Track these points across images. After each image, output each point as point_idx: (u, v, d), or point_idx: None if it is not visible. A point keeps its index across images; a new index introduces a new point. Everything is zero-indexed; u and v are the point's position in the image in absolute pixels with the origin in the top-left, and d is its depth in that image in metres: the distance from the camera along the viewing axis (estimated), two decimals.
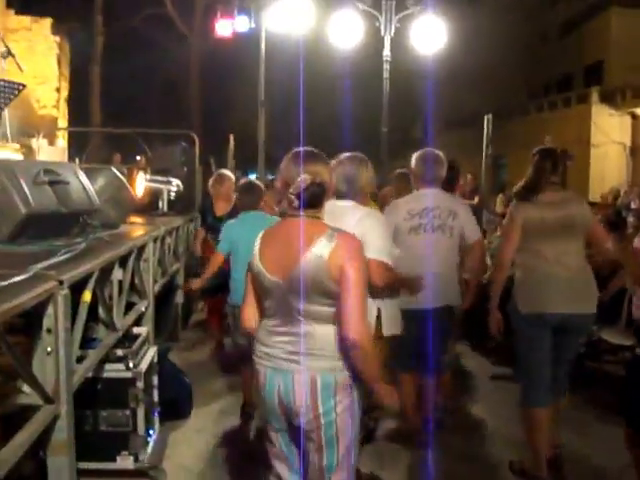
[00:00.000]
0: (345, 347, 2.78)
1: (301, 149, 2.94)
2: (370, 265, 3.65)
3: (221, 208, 7.43)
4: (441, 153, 5.16)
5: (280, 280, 2.87)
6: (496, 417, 5.83)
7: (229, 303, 5.65)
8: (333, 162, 4.02)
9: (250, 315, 3.12)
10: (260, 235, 3.08)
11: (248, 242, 5.53)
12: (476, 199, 13.09)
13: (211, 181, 7.57)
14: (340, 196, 4.11)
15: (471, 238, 5.06)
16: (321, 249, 2.77)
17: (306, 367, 2.84)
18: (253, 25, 14.85)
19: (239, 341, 5.52)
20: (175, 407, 5.44)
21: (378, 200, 7.01)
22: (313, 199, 2.87)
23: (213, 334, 7.74)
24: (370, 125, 19.38)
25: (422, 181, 5.08)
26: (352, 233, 2.92)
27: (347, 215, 3.95)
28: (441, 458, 4.85)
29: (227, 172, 7.82)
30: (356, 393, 2.93)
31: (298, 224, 2.89)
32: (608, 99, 27.65)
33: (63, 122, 17.60)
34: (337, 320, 2.81)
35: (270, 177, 15.13)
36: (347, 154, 4.26)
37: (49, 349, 2.69)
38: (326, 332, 2.85)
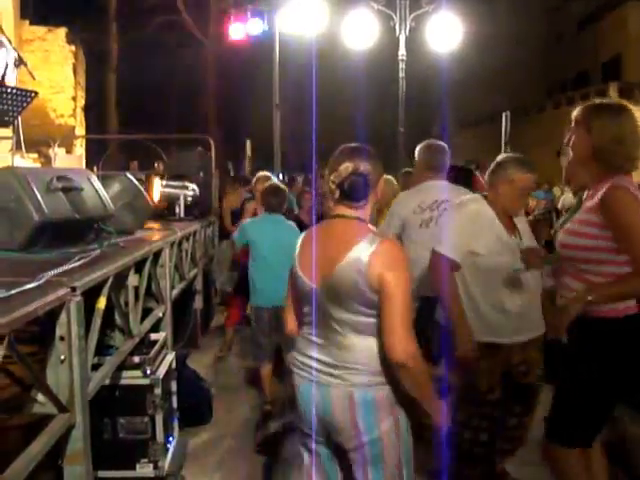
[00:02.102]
0: (388, 364, 2.62)
1: (349, 144, 2.84)
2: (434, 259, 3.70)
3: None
4: (443, 144, 5.16)
5: (317, 286, 2.74)
6: None
7: (250, 304, 5.92)
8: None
9: (292, 318, 3.06)
10: (301, 237, 2.97)
11: (266, 244, 5.75)
12: None
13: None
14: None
15: None
16: (360, 253, 2.61)
17: (343, 382, 2.70)
18: (266, 28, 14.84)
19: (260, 340, 5.76)
20: (195, 413, 5.41)
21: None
22: (354, 189, 2.72)
23: (227, 335, 7.77)
24: (386, 125, 19.34)
25: (428, 171, 5.06)
26: (396, 241, 2.77)
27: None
28: None
29: (265, 174, 8.07)
30: (402, 411, 2.76)
31: (338, 225, 2.78)
32: (626, 94, 27.42)
33: (80, 130, 17.73)
34: (379, 336, 2.64)
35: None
36: None
37: (62, 357, 2.65)
38: (365, 344, 2.69)
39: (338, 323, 2.71)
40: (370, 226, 2.80)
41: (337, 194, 2.75)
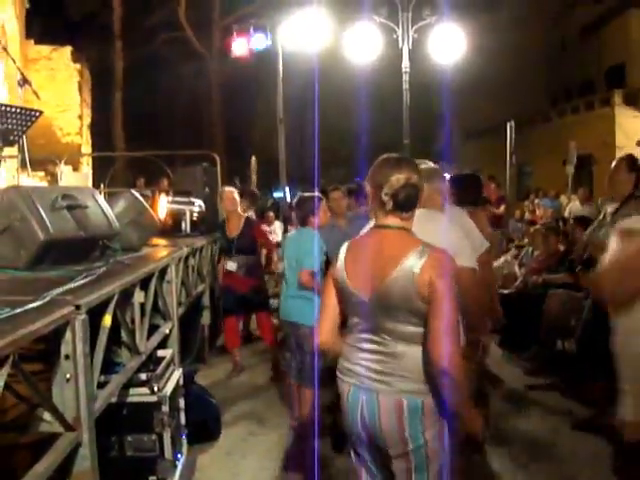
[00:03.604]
0: (432, 371, 2.65)
1: (392, 155, 2.86)
2: (464, 273, 3.62)
3: (232, 228, 7.58)
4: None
5: (366, 296, 2.75)
6: (534, 426, 5.72)
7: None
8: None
9: (324, 330, 2.99)
10: (345, 246, 2.95)
11: (285, 259, 5.59)
12: (502, 208, 13.03)
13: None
14: None
15: None
16: (411, 264, 2.63)
17: (392, 389, 2.72)
18: (269, 43, 14.90)
19: (285, 356, 5.67)
20: (203, 429, 5.39)
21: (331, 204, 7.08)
22: (407, 201, 2.76)
23: (233, 357, 7.69)
24: (391, 137, 19.35)
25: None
26: (445, 249, 2.73)
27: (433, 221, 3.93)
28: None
29: (229, 188, 7.98)
30: (446, 420, 2.77)
31: (387, 236, 2.79)
32: (631, 101, 27.42)
33: (86, 148, 17.76)
34: (425, 343, 2.67)
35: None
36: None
37: (68, 375, 2.65)
38: (415, 353, 2.70)
39: (388, 332, 2.73)
40: (417, 237, 2.79)
41: (390, 205, 2.76)
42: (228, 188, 7.92)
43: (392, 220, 2.79)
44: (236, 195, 7.68)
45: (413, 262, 2.63)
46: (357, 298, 2.79)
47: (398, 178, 2.73)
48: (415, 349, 2.70)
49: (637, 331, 3.38)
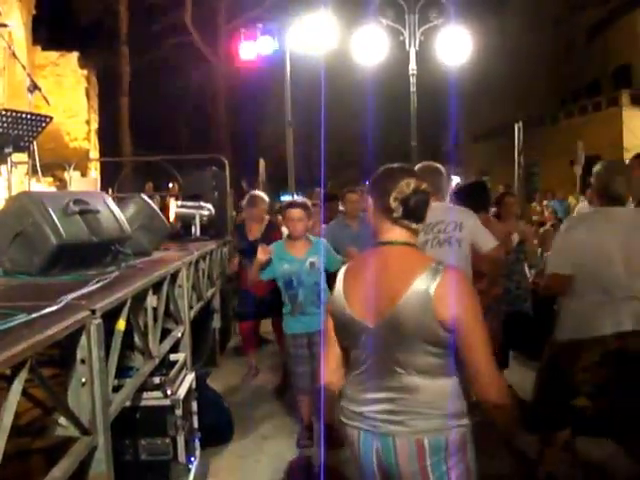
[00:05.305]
0: (459, 402, 2.43)
1: (393, 165, 2.59)
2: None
3: (254, 231, 7.34)
4: (439, 165, 5.07)
5: (372, 324, 2.44)
6: None
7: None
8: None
9: (330, 371, 2.70)
10: (343, 270, 2.65)
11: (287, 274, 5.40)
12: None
13: (244, 204, 7.51)
14: None
15: (484, 247, 4.85)
16: (425, 285, 2.33)
17: (411, 429, 2.41)
18: (277, 46, 14.89)
19: (296, 369, 5.48)
20: (216, 433, 5.39)
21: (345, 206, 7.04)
22: (418, 208, 2.48)
23: (249, 360, 7.69)
24: (398, 140, 19.37)
25: None
26: (458, 268, 2.50)
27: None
28: None
29: (260, 193, 7.77)
30: (471, 454, 2.50)
31: (392, 253, 2.49)
32: (639, 101, 27.36)
33: (94, 153, 17.84)
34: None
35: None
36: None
37: (84, 380, 2.65)
38: (435, 386, 2.41)
39: (400, 365, 2.42)
40: (426, 254, 2.63)
41: (399, 212, 2.46)
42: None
43: (398, 233, 2.50)
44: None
45: (427, 282, 2.34)
46: (361, 327, 2.47)
47: (408, 182, 2.46)
48: (434, 382, 2.42)
49: None
